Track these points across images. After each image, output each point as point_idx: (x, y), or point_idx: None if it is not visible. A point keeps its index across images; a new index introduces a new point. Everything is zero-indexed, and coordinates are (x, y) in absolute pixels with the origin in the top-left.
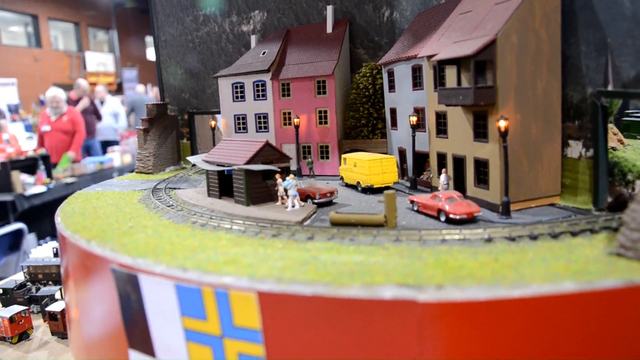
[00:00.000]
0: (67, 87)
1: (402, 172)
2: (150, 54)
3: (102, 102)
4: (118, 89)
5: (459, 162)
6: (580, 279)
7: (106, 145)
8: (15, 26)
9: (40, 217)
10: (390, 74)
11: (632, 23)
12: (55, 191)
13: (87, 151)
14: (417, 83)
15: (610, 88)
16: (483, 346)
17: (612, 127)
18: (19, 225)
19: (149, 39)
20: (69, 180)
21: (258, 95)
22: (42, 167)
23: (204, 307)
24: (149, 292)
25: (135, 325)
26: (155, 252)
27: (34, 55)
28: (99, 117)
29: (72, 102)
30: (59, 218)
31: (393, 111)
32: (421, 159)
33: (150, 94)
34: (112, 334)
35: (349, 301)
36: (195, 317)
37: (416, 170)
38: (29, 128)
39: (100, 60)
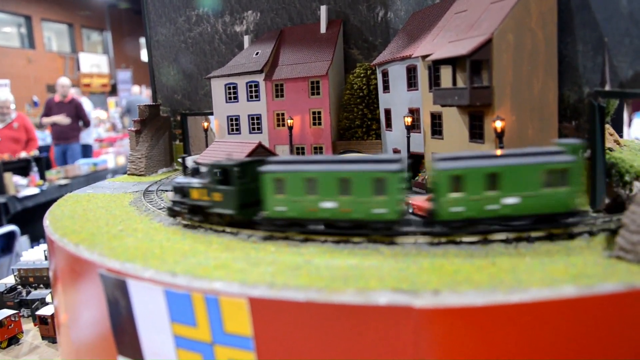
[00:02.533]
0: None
1: None
2: (145, 55)
3: None
4: (112, 90)
5: None
6: (579, 283)
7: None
8: (8, 27)
9: (33, 219)
10: (385, 75)
11: (629, 22)
12: (49, 193)
13: (64, 157)
14: (411, 83)
15: (607, 88)
16: (481, 353)
17: (608, 128)
18: (12, 227)
19: (143, 40)
20: (63, 182)
21: (251, 96)
22: (35, 168)
23: (194, 313)
24: (138, 298)
25: (124, 332)
26: (144, 257)
27: (27, 57)
28: (86, 123)
29: (60, 105)
30: (48, 221)
31: (387, 112)
32: (416, 160)
33: (144, 95)
34: (101, 340)
35: (343, 307)
36: (185, 323)
37: (411, 171)
38: None
39: (94, 61)
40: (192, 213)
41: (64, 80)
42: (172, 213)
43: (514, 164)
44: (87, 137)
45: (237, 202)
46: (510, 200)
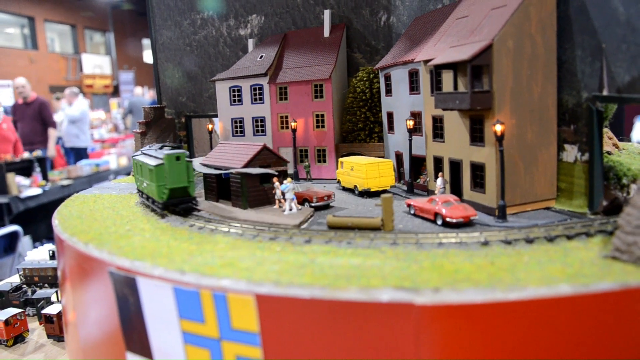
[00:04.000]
0: (63, 90)
1: (399, 175)
2: (147, 57)
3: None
4: (115, 91)
5: (456, 166)
6: (575, 282)
7: (76, 153)
8: (11, 28)
9: (36, 219)
10: (387, 78)
11: (626, 29)
12: (51, 193)
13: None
14: (414, 87)
15: (605, 93)
16: (480, 349)
17: (607, 132)
18: (14, 227)
19: (146, 42)
20: (65, 182)
21: (255, 99)
22: (37, 169)
23: (202, 309)
24: (147, 295)
25: (132, 328)
26: (152, 255)
27: (30, 57)
28: (52, 125)
29: (23, 107)
30: (57, 221)
31: (390, 115)
32: (418, 163)
33: (147, 96)
34: (110, 337)
35: (346, 304)
36: (193, 319)
37: (413, 174)
38: None
39: (97, 62)
40: None
41: (20, 81)
42: None
43: (143, 161)
44: (77, 139)
45: None
46: (145, 185)
